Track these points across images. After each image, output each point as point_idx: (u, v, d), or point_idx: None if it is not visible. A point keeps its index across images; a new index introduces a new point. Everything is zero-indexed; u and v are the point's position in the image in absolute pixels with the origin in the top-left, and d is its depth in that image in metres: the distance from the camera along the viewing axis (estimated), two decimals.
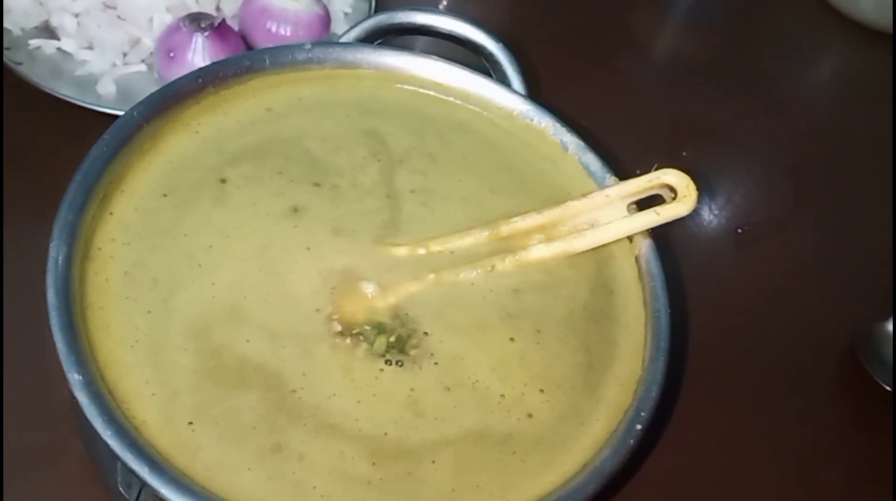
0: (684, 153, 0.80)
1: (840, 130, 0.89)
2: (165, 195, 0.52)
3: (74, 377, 0.43)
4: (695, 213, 0.72)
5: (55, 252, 0.46)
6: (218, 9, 0.75)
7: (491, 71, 0.63)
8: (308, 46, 0.59)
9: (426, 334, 0.51)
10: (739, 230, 0.78)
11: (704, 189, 0.55)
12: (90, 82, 0.71)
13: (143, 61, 0.73)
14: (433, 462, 0.46)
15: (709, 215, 0.78)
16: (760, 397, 0.67)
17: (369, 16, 0.63)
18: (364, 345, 0.49)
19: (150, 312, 0.48)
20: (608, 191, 0.56)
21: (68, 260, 0.47)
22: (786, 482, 0.63)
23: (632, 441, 0.48)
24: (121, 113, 0.53)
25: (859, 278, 0.76)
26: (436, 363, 0.50)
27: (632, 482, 0.59)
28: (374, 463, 0.45)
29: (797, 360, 0.69)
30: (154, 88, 0.55)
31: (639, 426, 0.48)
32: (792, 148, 0.86)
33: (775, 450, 0.64)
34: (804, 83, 0.93)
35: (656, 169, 0.55)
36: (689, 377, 0.65)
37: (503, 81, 0.62)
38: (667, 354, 0.52)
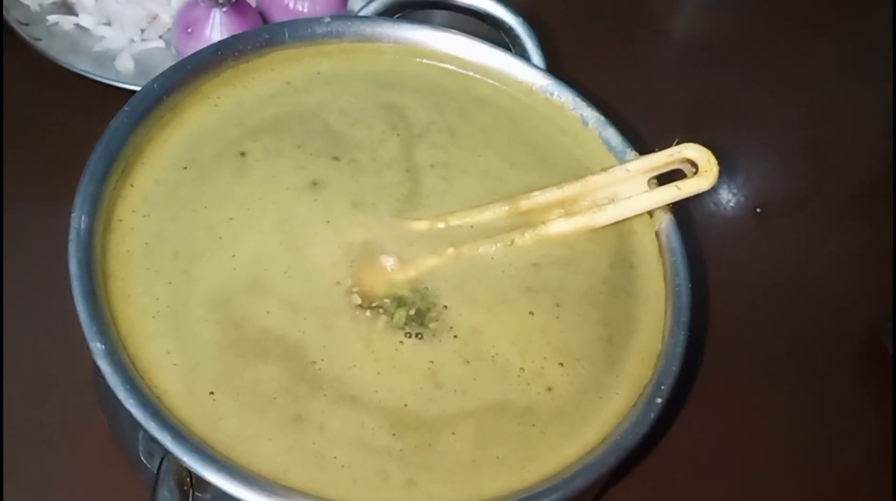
0: (703, 132, 0.80)
1: (858, 109, 0.88)
2: (186, 168, 0.52)
3: (97, 347, 0.43)
4: (714, 192, 0.72)
5: (77, 222, 0.46)
6: None
7: (510, 45, 0.63)
8: (327, 20, 0.59)
9: (445, 307, 0.50)
10: (758, 209, 0.78)
11: (724, 168, 0.54)
12: (108, 58, 0.71)
13: (160, 37, 0.73)
14: (453, 433, 0.46)
15: (728, 194, 0.78)
16: (780, 374, 0.67)
17: None
18: (384, 318, 0.49)
19: (170, 283, 0.48)
20: (629, 165, 0.55)
21: (90, 231, 0.47)
22: (804, 461, 0.63)
23: (652, 415, 0.48)
24: (139, 88, 0.53)
25: (879, 259, 0.76)
26: (455, 336, 0.50)
27: (650, 456, 0.59)
28: (394, 434, 0.46)
29: (817, 338, 0.69)
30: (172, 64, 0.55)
31: (659, 400, 0.48)
32: (810, 127, 0.86)
33: (794, 428, 0.64)
34: (822, 62, 0.92)
35: (677, 144, 0.54)
36: (709, 354, 0.65)
37: (522, 55, 0.62)
38: (687, 329, 0.51)
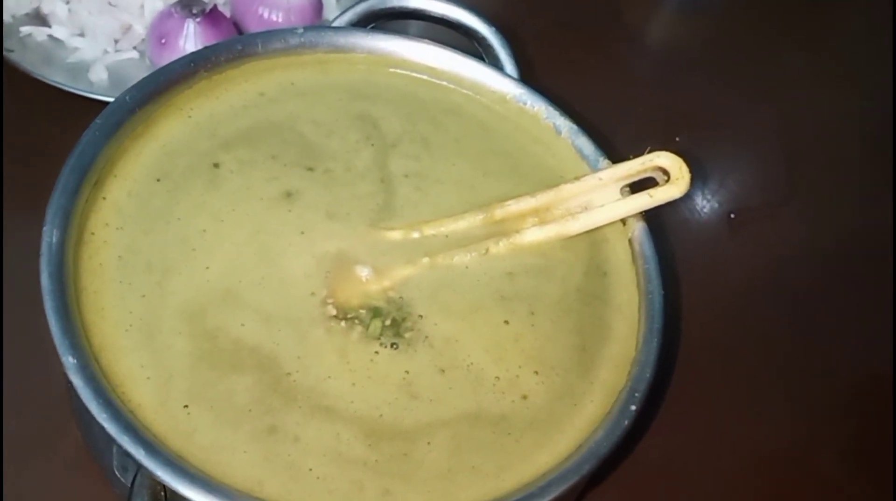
0: (677, 139, 0.80)
1: (832, 115, 0.89)
2: (159, 180, 0.52)
3: (69, 361, 0.43)
4: (688, 198, 0.72)
5: (48, 236, 0.46)
6: None
7: (483, 55, 0.63)
8: (300, 31, 0.59)
9: (421, 317, 0.51)
10: (732, 215, 0.78)
11: (697, 175, 0.55)
12: (82, 69, 0.71)
13: (134, 48, 0.73)
14: (428, 443, 0.46)
15: (702, 201, 0.79)
16: (754, 380, 0.67)
17: (361, 0, 0.63)
18: (359, 328, 0.50)
19: (144, 296, 0.48)
20: (601, 174, 0.56)
21: (62, 244, 0.47)
22: (779, 465, 0.63)
23: (626, 422, 0.48)
24: (113, 100, 0.53)
25: (850, 262, 0.76)
26: (430, 346, 0.50)
27: (625, 463, 0.59)
28: (369, 445, 0.46)
29: (790, 343, 0.70)
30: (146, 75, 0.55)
31: (633, 407, 0.48)
32: (784, 134, 0.86)
33: (769, 433, 0.65)
34: (795, 68, 0.93)
35: (649, 152, 0.55)
36: (682, 360, 0.65)
37: (496, 65, 0.62)
38: (660, 335, 0.52)
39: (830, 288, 0.74)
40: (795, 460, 0.64)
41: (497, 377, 0.49)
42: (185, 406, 0.45)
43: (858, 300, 0.73)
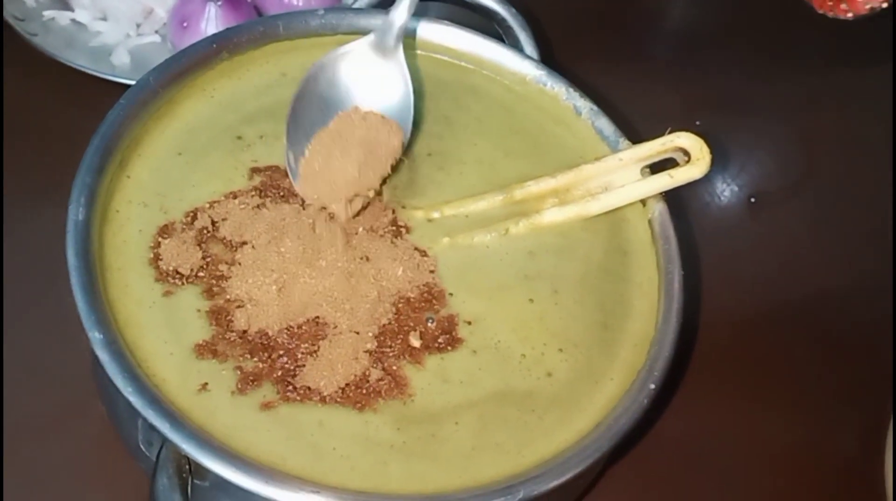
0: (697, 122, 0.79)
1: (851, 96, 0.88)
2: (180, 154, 0.53)
3: (95, 336, 0.43)
4: (707, 181, 0.72)
5: (74, 214, 0.47)
6: None
7: (503, 36, 0.63)
8: (321, 12, 0.59)
9: (451, 295, 0.51)
10: (752, 200, 0.78)
11: (717, 158, 0.54)
12: (104, 53, 0.71)
13: (156, 32, 0.74)
14: (456, 423, 0.46)
15: (721, 184, 0.78)
16: (772, 362, 0.67)
17: None
18: None
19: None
20: (621, 154, 0.55)
21: (87, 222, 0.47)
22: (796, 448, 0.63)
23: (645, 401, 0.48)
24: (135, 82, 0.54)
25: (871, 247, 0.76)
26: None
27: (643, 442, 0.59)
28: (398, 429, 0.46)
29: (809, 327, 0.70)
30: None
31: (652, 386, 0.48)
32: (804, 115, 0.86)
33: (786, 415, 0.65)
34: (817, 50, 0.92)
35: (669, 132, 0.55)
36: (702, 340, 0.65)
37: (515, 46, 0.62)
38: (680, 315, 0.52)
39: (851, 272, 0.74)
40: (812, 442, 0.64)
41: (523, 355, 0.49)
42: (206, 384, 0.45)
43: (880, 284, 0.73)
